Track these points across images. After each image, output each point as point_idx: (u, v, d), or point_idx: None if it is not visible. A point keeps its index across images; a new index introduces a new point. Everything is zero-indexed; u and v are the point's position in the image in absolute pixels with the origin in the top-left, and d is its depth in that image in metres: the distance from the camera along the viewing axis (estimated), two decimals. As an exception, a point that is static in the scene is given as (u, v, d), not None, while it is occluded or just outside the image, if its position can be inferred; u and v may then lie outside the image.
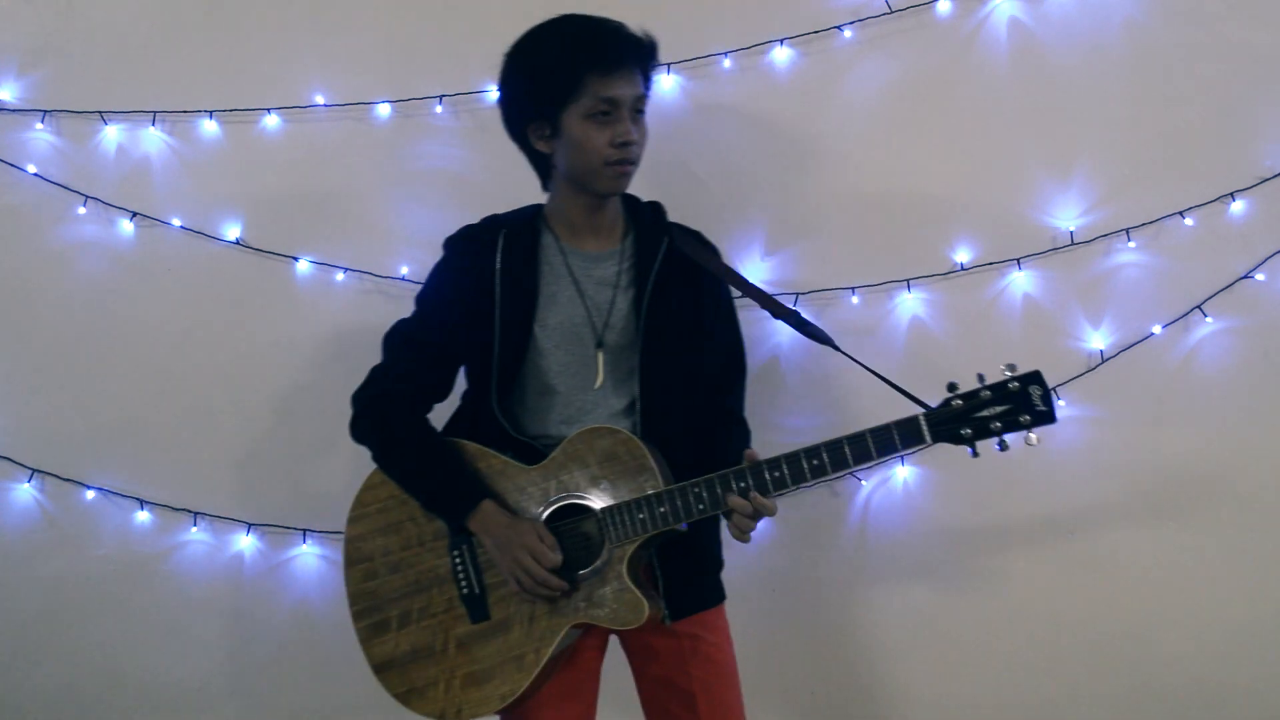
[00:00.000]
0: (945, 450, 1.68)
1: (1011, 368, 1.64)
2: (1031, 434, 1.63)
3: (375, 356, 2.42)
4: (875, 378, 1.78)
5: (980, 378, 1.65)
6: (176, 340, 2.46)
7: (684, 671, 1.84)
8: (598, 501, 1.76)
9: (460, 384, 1.96)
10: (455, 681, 1.79)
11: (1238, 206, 2.29)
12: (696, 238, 1.97)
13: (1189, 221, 2.30)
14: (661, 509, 1.72)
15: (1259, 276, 2.30)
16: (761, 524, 2.37)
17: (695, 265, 1.88)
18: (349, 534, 1.88)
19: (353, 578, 1.87)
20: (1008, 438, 1.63)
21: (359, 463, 2.45)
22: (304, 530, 2.45)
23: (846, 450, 1.68)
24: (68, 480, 2.47)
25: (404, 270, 2.42)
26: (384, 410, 1.86)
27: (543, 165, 1.88)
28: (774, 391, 2.36)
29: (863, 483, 2.39)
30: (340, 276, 2.43)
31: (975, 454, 1.65)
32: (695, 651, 1.85)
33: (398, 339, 1.90)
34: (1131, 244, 2.31)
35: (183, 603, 2.48)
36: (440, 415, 1.95)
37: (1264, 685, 2.35)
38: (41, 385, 2.48)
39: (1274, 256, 2.29)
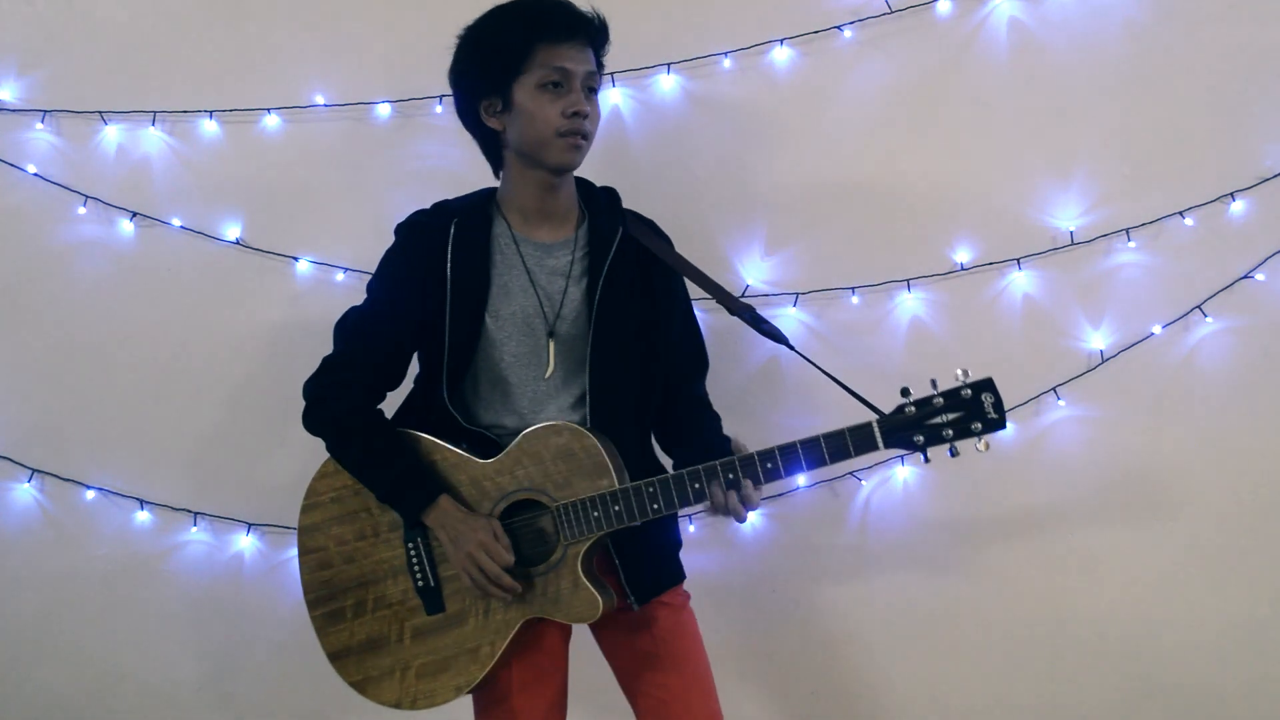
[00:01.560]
0: (944, 451, 1.68)
1: (965, 373, 1.64)
2: (981, 440, 1.63)
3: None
4: (836, 381, 1.77)
5: (933, 383, 1.65)
6: (176, 340, 2.46)
7: (651, 637, 1.86)
8: (553, 498, 1.76)
9: (412, 369, 1.96)
10: (410, 672, 1.81)
11: (1238, 206, 2.29)
12: (651, 227, 1.96)
13: (1189, 221, 2.30)
14: (616, 508, 1.73)
15: (1259, 276, 2.30)
16: (763, 524, 2.40)
17: (649, 255, 1.88)
18: (302, 522, 1.89)
19: (307, 566, 1.88)
20: (959, 444, 1.64)
21: (359, 463, 2.45)
22: (304, 530, 2.45)
23: (800, 453, 1.68)
24: (68, 480, 2.47)
25: (404, 270, 2.42)
26: (337, 400, 1.86)
27: (495, 147, 1.88)
28: (773, 392, 2.36)
29: (862, 483, 2.39)
30: (340, 276, 2.44)
31: (927, 460, 1.67)
32: (659, 619, 1.87)
33: (350, 328, 1.89)
34: (1131, 244, 2.32)
35: (183, 603, 2.48)
36: (391, 402, 1.95)
37: (1263, 685, 2.35)
38: (41, 385, 2.48)
39: (1274, 256, 2.29)
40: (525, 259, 1.85)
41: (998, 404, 1.62)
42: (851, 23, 2.35)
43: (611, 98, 2.38)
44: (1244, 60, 2.30)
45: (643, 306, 1.87)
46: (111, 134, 2.45)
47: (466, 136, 2.39)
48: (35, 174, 2.44)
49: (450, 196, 2.41)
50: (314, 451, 2.45)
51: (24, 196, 2.45)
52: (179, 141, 2.45)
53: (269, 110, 2.42)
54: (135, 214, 2.45)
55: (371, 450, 1.82)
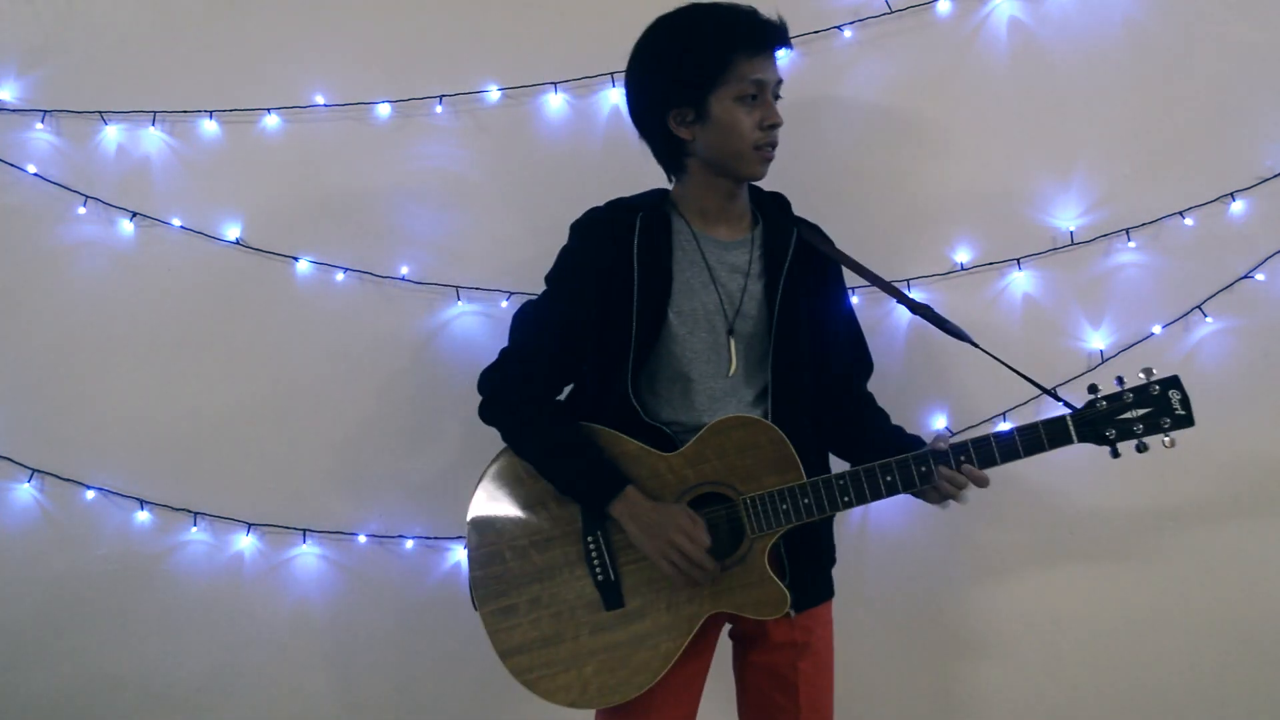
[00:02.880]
0: (1132, 446, 1.70)
1: (1148, 371, 1.69)
2: (1168, 437, 1.67)
3: (374, 356, 2.44)
4: (1030, 381, 1.81)
5: (1119, 380, 1.69)
6: (176, 340, 2.46)
7: (792, 665, 1.86)
8: (738, 491, 1.76)
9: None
10: (588, 668, 1.78)
11: (1238, 206, 2.29)
12: (818, 231, 1.97)
13: (1189, 221, 2.30)
14: (805, 500, 1.73)
15: (1259, 276, 2.30)
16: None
17: (821, 258, 1.89)
18: (473, 516, 1.86)
19: (476, 561, 1.84)
20: (1147, 440, 1.68)
21: (359, 462, 2.46)
22: (304, 530, 2.45)
23: (995, 448, 1.71)
24: (68, 480, 2.46)
25: (404, 270, 2.42)
26: (518, 391, 1.85)
27: (676, 153, 1.85)
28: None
29: (863, 483, 2.39)
30: (340, 276, 2.43)
31: (1116, 454, 1.69)
32: (807, 645, 1.86)
33: (529, 322, 1.89)
34: (1131, 244, 2.32)
35: (183, 603, 2.48)
36: None
37: (1263, 685, 2.35)
38: (41, 385, 2.48)
39: (1274, 256, 2.29)
40: (706, 256, 1.85)
41: (1185, 401, 1.68)
42: (851, 23, 2.35)
43: (612, 98, 2.38)
44: (1244, 60, 2.30)
45: (816, 307, 1.88)
46: (111, 134, 2.44)
47: (467, 137, 2.41)
48: (35, 174, 2.44)
49: (450, 197, 2.42)
50: (316, 451, 2.46)
51: (24, 196, 2.44)
52: (179, 141, 2.45)
53: (269, 110, 2.42)
54: (135, 214, 2.45)
55: (554, 441, 1.81)
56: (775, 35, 1.79)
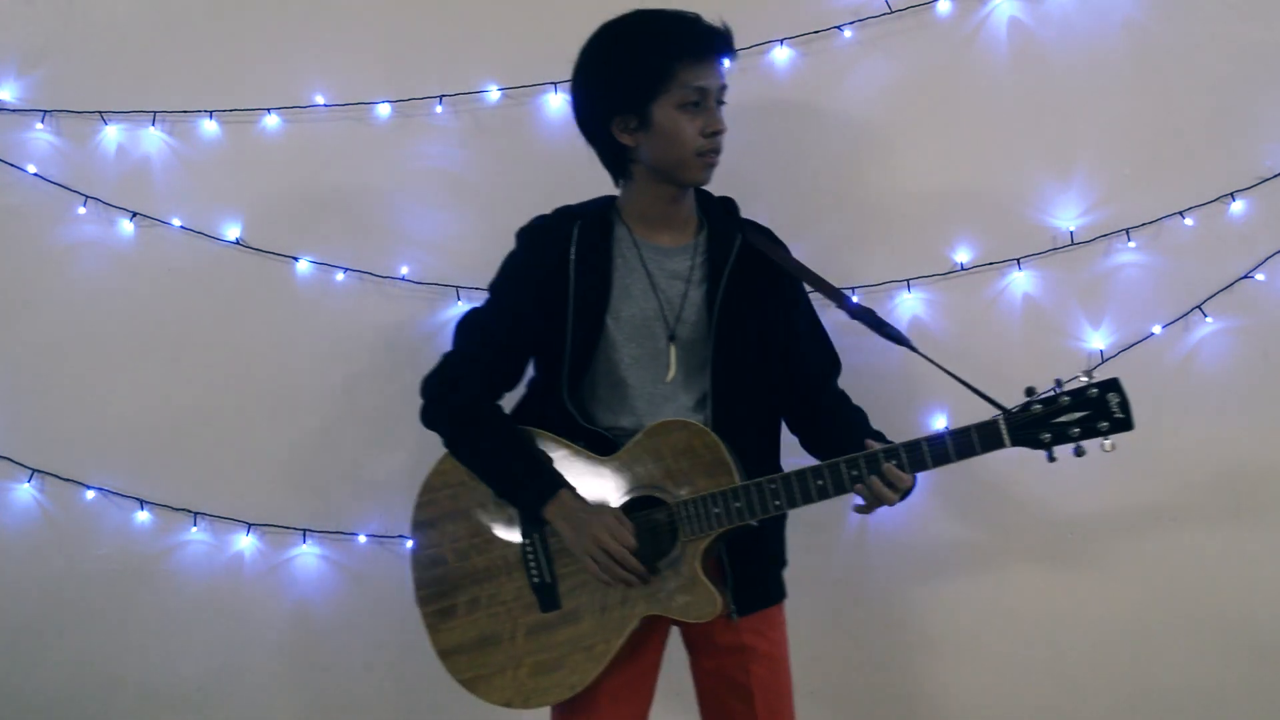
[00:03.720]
0: (1069, 450, 1.67)
1: (1089, 374, 1.65)
2: (1107, 440, 1.63)
3: (374, 356, 2.44)
4: (960, 381, 1.77)
5: (1058, 383, 1.66)
6: (176, 340, 2.46)
7: (743, 669, 1.85)
8: (672, 494, 1.76)
9: (527, 373, 1.96)
10: (523, 669, 1.80)
11: (1238, 206, 2.29)
12: (768, 235, 1.96)
13: (1189, 221, 2.30)
14: (737, 504, 1.72)
15: (1259, 276, 2.30)
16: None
17: (768, 262, 1.88)
18: (416, 519, 1.88)
19: (419, 563, 1.87)
20: (1085, 443, 1.64)
21: (358, 462, 2.46)
22: (304, 530, 2.45)
23: (926, 452, 1.68)
24: (68, 480, 2.47)
25: (404, 270, 2.42)
26: (457, 397, 1.86)
27: (620, 160, 1.86)
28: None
29: (863, 483, 2.38)
30: (340, 276, 2.44)
31: (1052, 459, 1.66)
32: (756, 649, 1.86)
33: (471, 327, 1.91)
34: (1131, 244, 2.32)
35: (183, 603, 2.48)
36: (506, 404, 1.94)
37: (1262, 686, 2.35)
38: (41, 385, 2.48)
39: (1274, 256, 2.29)
40: (646, 262, 1.85)
41: (1124, 404, 1.62)
42: (851, 23, 2.35)
43: (611, 98, 2.38)
44: (1244, 60, 2.29)
45: (762, 312, 1.87)
46: (111, 134, 2.45)
47: (467, 137, 2.42)
48: (35, 174, 2.44)
49: (450, 197, 2.42)
50: (316, 451, 2.46)
51: (24, 196, 2.45)
52: (179, 141, 2.45)
53: (269, 110, 2.42)
54: (135, 214, 2.45)
55: (490, 445, 1.83)
56: (718, 42, 1.80)
